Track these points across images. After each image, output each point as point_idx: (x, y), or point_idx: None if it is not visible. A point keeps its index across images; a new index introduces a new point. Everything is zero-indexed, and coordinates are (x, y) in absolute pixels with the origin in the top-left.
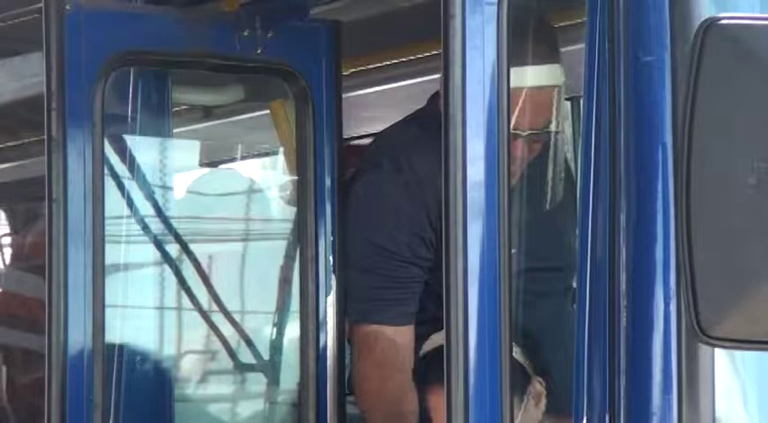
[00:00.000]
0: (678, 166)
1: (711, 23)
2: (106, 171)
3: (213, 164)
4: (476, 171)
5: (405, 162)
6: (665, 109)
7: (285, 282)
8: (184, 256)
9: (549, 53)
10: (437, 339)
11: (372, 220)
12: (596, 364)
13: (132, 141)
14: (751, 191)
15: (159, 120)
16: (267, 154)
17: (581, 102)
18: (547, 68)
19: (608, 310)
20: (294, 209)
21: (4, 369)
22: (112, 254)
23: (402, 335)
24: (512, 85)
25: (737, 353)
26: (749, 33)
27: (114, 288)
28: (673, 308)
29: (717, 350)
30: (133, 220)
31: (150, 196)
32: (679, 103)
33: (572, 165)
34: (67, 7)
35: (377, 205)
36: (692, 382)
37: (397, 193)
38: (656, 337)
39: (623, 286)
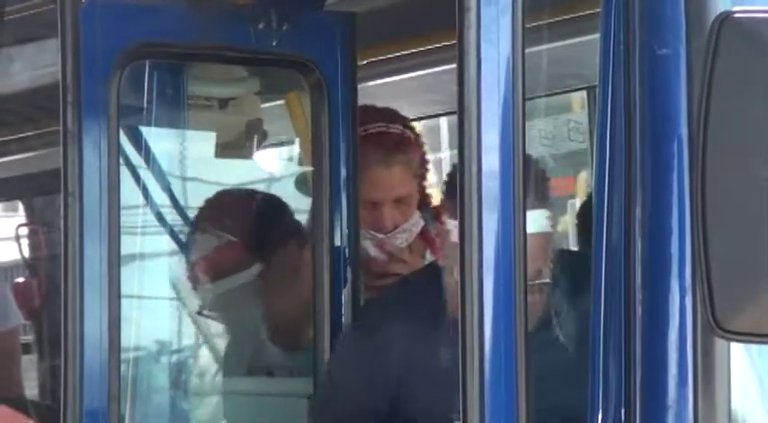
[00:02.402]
0: (694, 159)
1: (727, 16)
2: (122, 163)
3: (229, 155)
4: (491, 162)
5: None
6: (681, 102)
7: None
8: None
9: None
10: None
11: None
12: (612, 358)
13: (148, 134)
14: (766, 184)
15: (175, 112)
16: (283, 145)
17: (596, 92)
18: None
19: (623, 304)
20: (309, 200)
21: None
22: (128, 246)
23: None
24: None
25: (754, 346)
26: (765, 26)
27: (130, 280)
28: (688, 301)
29: (733, 344)
30: (149, 213)
31: (166, 188)
32: (694, 96)
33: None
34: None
35: None
36: (707, 376)
37: None
38: (672, 331)
39: (638, 279)
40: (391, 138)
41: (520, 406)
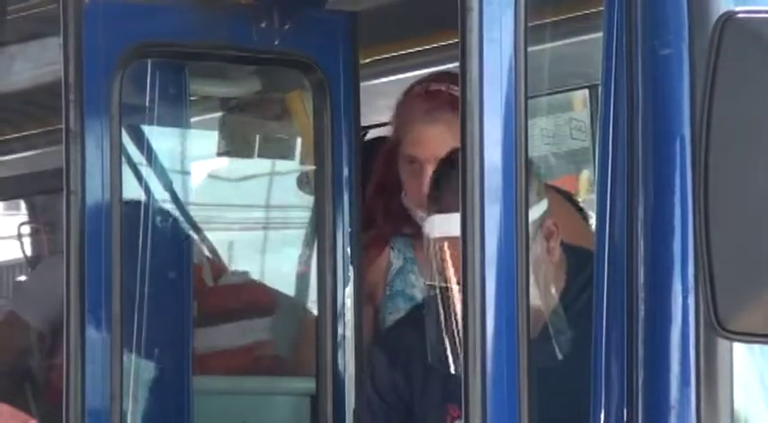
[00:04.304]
0: (696, 159)
1: (729, 16)
2: (124, 162)
3: (231, 154)
4: (493, 160)
5: None
6: (683, 102)
7: (303, 273)
8: (202, 247)
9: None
10: None
11: None
12: (614, 357)
13: (150, 132)
14: None
15: (177, 111)
16: (285, 145)
17: (599, 91)
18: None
19: (626, 303)
20: (312, 200)
21: None
22: (131, 244)
23: None
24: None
25: (756, 346)
26: (767, 26)
27: (133, 279)
28: (691, 301)
29: (735, 344)
30: (151, 211)
31: (168, 187)
32: (697, 95)
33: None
34: None
35: None
36: (710, 376)
37: None
38: (675, 331)
39: (641, 279)
40: (440, 95)
41: (522, 402)
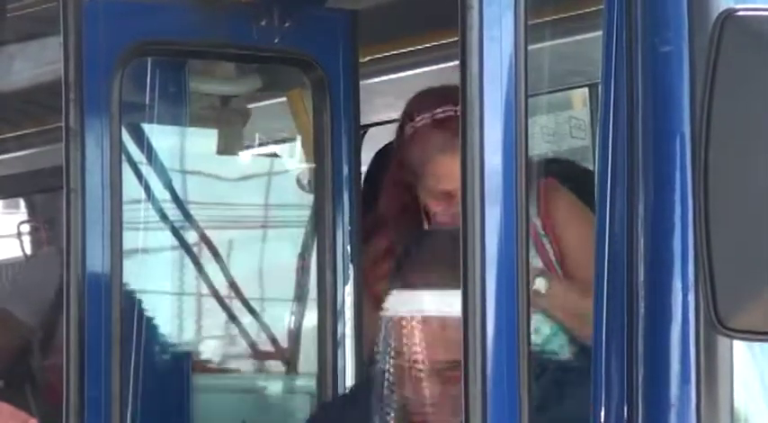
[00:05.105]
0: (696, 157)
1: (729, 14)
2: (124, 160)
3: (231, 152)
4: (493, 159)
5: None
6: (684, 99)
7: (303, 270)
8: (202, 245)
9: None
10: None
11: None
12: (614, 355)
13: (150, 131)
14: None
15: (177, 109)
16: (285, 143)
17: (599, 90)
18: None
19: (626, 301)
20: (312, 198)
21: None
22: (131, 243)
23: None
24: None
25: (756, 344)
26: (767, 24)
27: (133, 277)
28: (691, 299)
29: (736, 342)
30: (151, 210)
31: (168, 185)
32: (697, 93)
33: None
34: None
35: None
36: (710, 374)
37: None
38: (675, 329)
39: (641, 277)
40: (452, 122)
41: (522, 402)
